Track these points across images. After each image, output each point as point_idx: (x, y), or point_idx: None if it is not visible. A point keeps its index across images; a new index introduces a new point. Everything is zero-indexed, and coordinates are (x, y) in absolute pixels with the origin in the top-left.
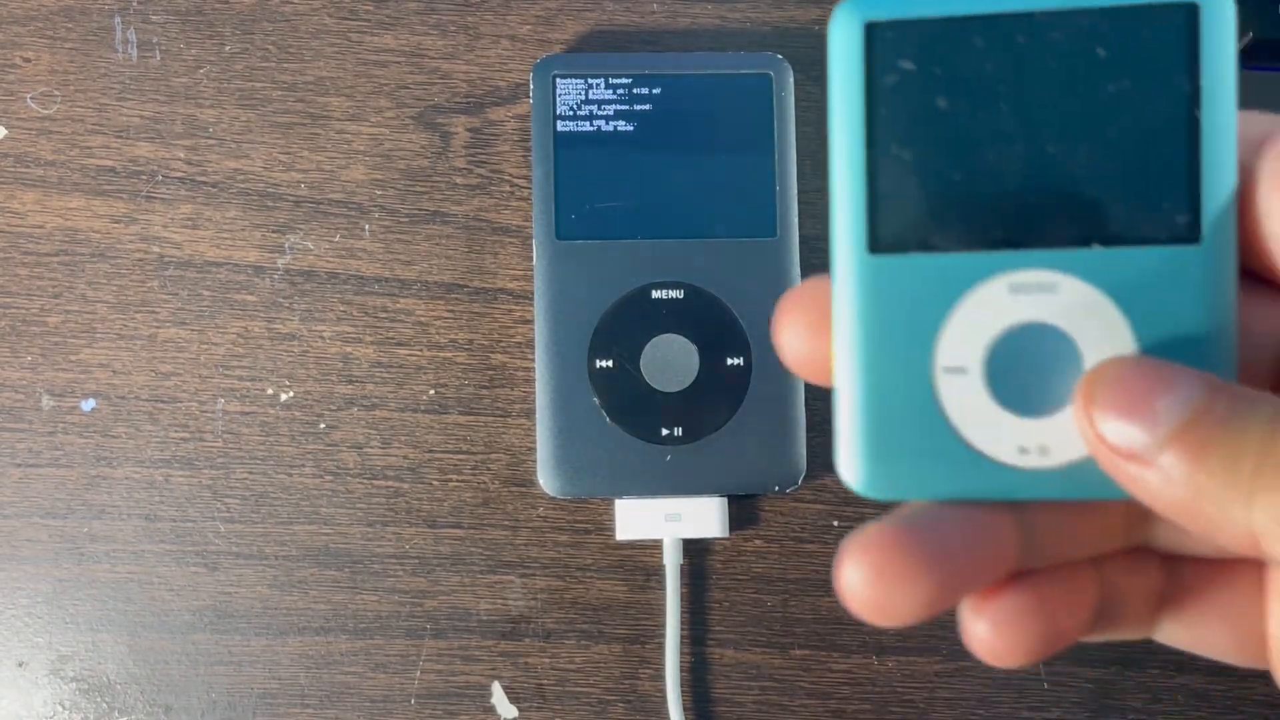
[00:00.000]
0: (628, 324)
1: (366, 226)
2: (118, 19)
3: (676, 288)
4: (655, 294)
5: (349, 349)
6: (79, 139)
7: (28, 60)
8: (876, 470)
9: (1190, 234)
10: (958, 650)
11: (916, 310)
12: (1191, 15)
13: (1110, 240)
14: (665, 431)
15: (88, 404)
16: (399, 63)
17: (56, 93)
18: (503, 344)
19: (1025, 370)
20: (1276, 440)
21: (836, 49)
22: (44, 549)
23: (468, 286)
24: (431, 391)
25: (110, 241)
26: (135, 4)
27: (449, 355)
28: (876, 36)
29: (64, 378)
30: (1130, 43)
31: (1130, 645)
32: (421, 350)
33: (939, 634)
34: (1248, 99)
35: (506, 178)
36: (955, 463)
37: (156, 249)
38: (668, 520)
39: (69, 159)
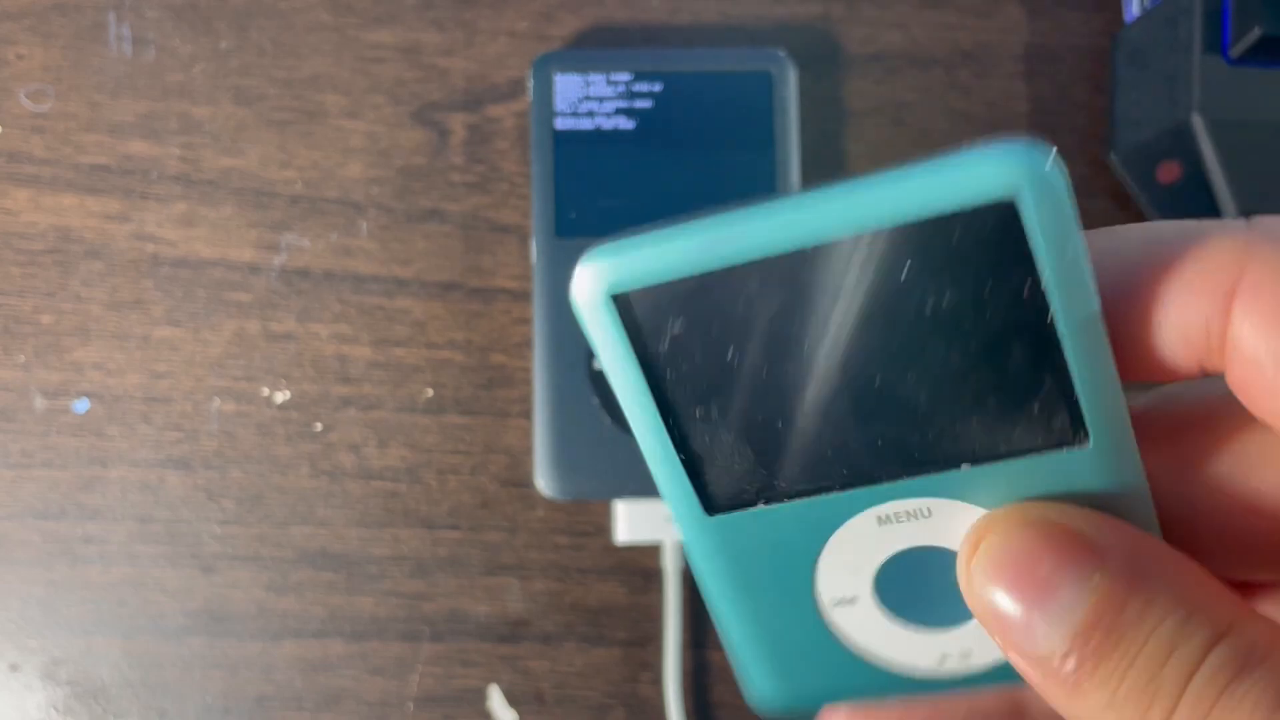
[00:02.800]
0: None
1: (363, 225)
2: (111, 15)
3: None
4: None
5: (345, 349)
6: (72, 136)
7: (21, 56)
8: (788, 698)
9: (1074, 437)
10: None
11: (781, 558)
12: (1008, 215)
13: (981, 458)
14: None
15: (81, 404)
16: (396, 59)
17: (50, 89)
18: (501, 344)
19: (921, 589)
20: (1165, 671)
21: (588, 321)
22: (37, 551)
23: (466, 286)
24: (429, 392)
25: (104, 240)
26: (129, 0)
27: (447, 355)
28: (631, 306)
29: (57, 378)
30: (942, 257)
31: None
32: (419, 350)
33: None
34: (1256, 98)
35: (505, 175)
36: (872, 679)
37: (151, 247)
38: (668, 522)
39: (62, 156)
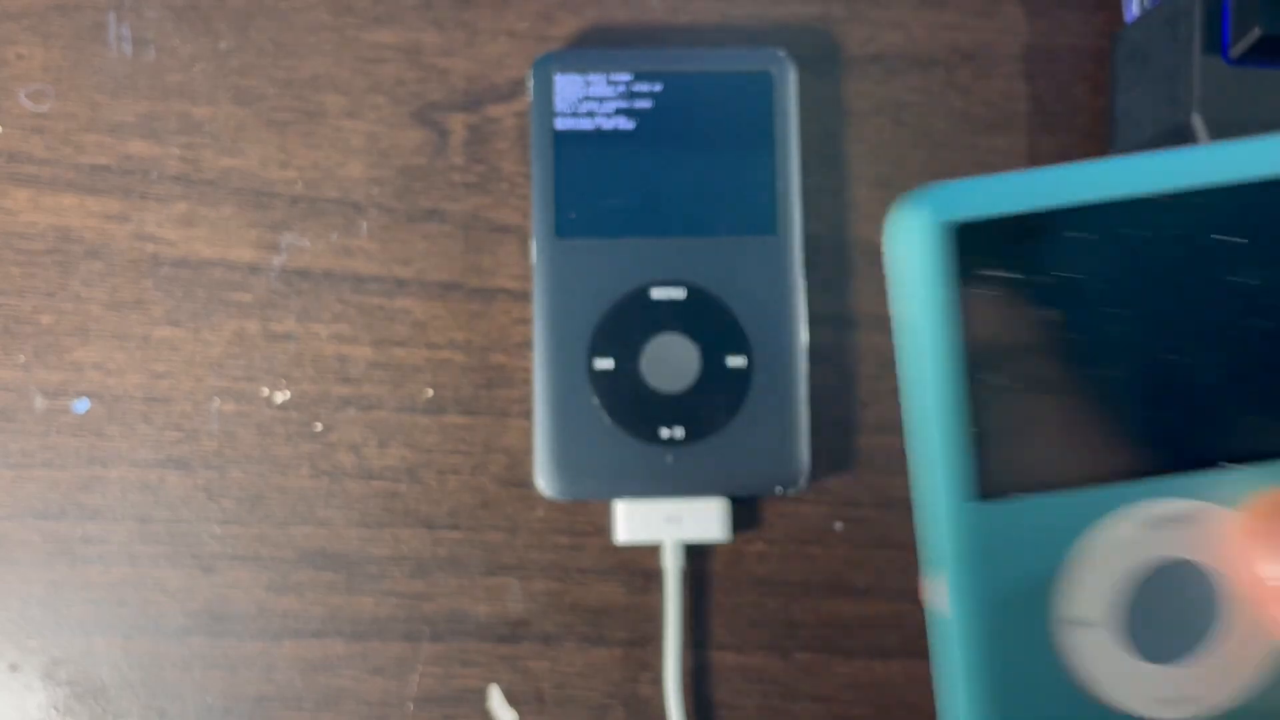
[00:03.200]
0: (628, 323)
1: (363, 225)
2: (111, 15)
3: (677, 286)
4: (655, 293)
5: (345, 349)
6: (72, 136)
7: (21, 56)
8: None
9: None
10: None
11: (1030, 557)
12: None
13: (1248, 456)
14: (665, 432)
15: (81, 404)
16: (396, 59)
17: (50, 89)
18: (501, 344)
19: (1159, 613)
20: None
21: (904, 258)
22: (37, 551)
23: (466, 286)
24: (429, 392)
25: (104, 240)
26: (129, 0)
27: (447, 355)
28: (963, 241)
29: (57, 378)
30: (1269, 218)
31: None
32: (419, 350)
33: None
34: (1256, 98)
35: (505, 175)
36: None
37: (150, 247)
38: (668, 522)
39: (62, 156)
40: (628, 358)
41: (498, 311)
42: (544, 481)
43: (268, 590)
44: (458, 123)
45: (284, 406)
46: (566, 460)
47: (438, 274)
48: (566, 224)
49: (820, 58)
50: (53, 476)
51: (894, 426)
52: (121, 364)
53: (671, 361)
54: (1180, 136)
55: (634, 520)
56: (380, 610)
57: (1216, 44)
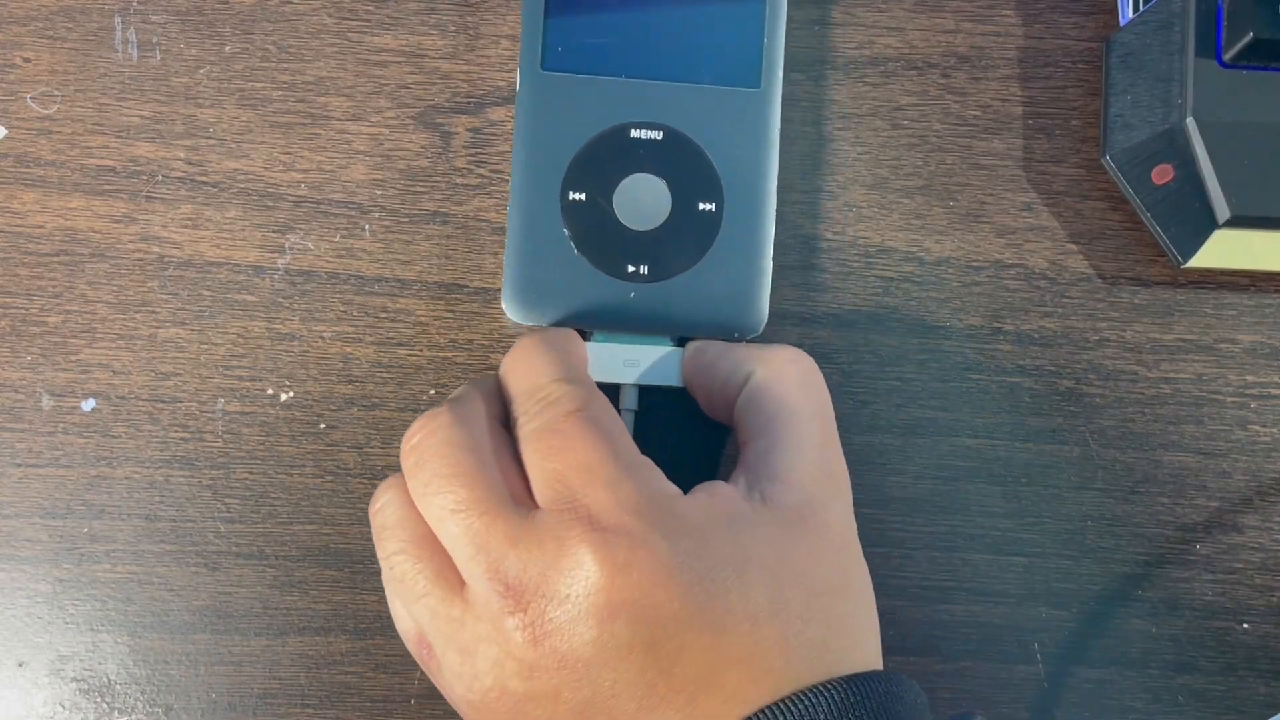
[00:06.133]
0: (604, 159)
1: (366, 226)
2: (118, 19)
3: (655, 129)
4: (634, 133)
5: (349, 349)
6: (79, 139)
7: (27, 60)
8: None
9: None
10: (957, 650)
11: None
12: None
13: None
14: (631, 268)
15: (88, 404)
16: (399, 63)
17: (56, 93)
18: (503, 344)
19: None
20: None
21: None
22: (44, 549)
23: (468, 286)
24: (432, 391)
25: (110, 241)
26: (135, 4)
27: (449, 355)
28: None
29: (64, 378)
30: None
31: (1130, 645)
32: (422, 350)
33: (938, 634)
34: (1249, 100)
35: (507, 178)
36: None
37: (157, 249)
38: (626, 365)
39: (69, 159)
40: (601, 193)
41: (499, 312)
42: (508, 306)
43: (272, 587)
44: (460, 126)
45: (288, 406)
46: (531, 286)
47: (440, 275)
48: (553, 57)
49: (817, 61)
50: (60, 475)
51: (890, 425)
52: (128, 364)
53: (643, 200)
54: (1174, 139)
55: (598, 361)
56: (383, 607)
57: (1210, 47)
